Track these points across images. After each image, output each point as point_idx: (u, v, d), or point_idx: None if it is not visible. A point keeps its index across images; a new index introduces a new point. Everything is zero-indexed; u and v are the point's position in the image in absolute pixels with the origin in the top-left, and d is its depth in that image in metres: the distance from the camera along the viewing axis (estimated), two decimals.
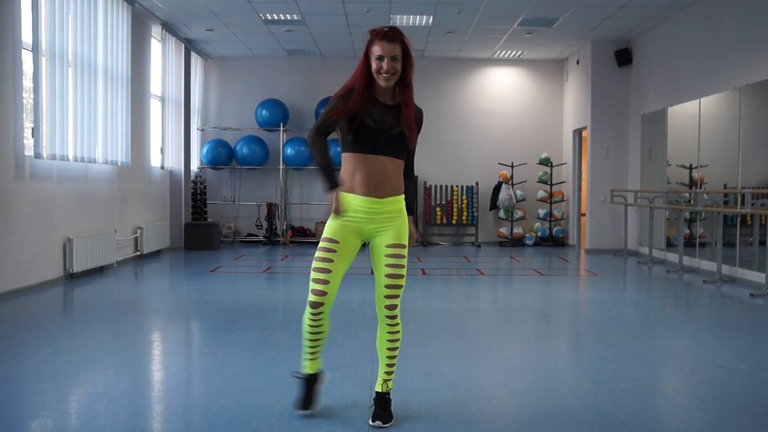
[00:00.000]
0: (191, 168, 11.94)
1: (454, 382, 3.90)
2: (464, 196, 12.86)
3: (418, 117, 3.21)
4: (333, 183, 3.16)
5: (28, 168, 6.90)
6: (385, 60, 3.03)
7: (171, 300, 6.98)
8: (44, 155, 6.98)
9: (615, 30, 10.75)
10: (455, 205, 12.85)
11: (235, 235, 12.72)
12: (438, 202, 12.94)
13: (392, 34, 3.05)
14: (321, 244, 3.16)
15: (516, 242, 12.69)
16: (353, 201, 3.12)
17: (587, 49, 11.70)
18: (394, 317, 3.19)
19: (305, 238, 12.72)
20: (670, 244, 9.88)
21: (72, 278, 7.72)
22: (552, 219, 12.76)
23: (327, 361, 3.75)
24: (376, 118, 3.09)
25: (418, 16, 10.04)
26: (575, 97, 12.49)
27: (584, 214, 12.25)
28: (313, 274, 3.13)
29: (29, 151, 6.90)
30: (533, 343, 5.02)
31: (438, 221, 12.85)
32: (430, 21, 10.24)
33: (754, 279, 7.60)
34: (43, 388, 3.71)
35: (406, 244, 3.19)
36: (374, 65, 3.06)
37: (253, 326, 5.37)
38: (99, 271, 8.40)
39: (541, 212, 12.87)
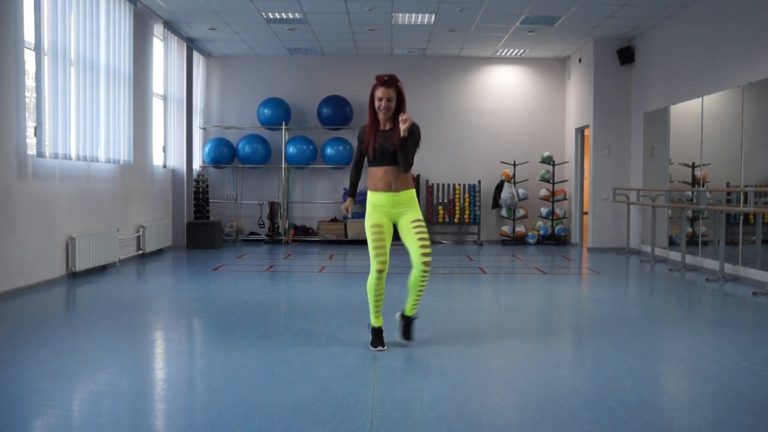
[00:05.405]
0: (193, 167, 11.95)
1: (457, 380, 3.90)
2: (466, 195, 12.85)
3: (416, 132, 4.46)
4: (351, 195, 4.76)
5: (30, 167, 6.91)
6: (383, 100, 4.42)
7: (173, 299, 6.99)
8: (47, 154, 6.98)
9: (617, 28, 10.73)
10: (457, 204, 12.84)
11: (237, 234, 12.73)
12: (440, 201, 12.93)
13: (389, 82, 4.42)
14: (372, 230, 4.49)
15: (518, 241, 12.68)
16: (380, 196, 4.50)
17: (589, 47, 11.68)
18: (428, 269, 4.45)
19: (307, 236, 12.73)
20: (672, 243, 9.87)
21: (74, 277, 7.73)
22: (554, 217, 12.75)
23: (328, 360, 4.36)
24: (380, 142, 4.47)
25: (420, 15, 10.03)
26: (577, 96, 12.47)
27: (586, 213, 12.23)
28: (374, 251, 4.47)
29: (32, 150, 6.91)
30: (535, 341, 5.02)
31: (440, 220, 12.84)
32: (432, 19, 10.22)
33: (757, 277, 7.59)
34: (46, 387, 3.72)
35: (423, 219, 4.55)
36: (376, 104, 4.46)
37: (255, 325, 5.38)
38: (101, 269, 8.41)
39: (544, 211, 12.86)
